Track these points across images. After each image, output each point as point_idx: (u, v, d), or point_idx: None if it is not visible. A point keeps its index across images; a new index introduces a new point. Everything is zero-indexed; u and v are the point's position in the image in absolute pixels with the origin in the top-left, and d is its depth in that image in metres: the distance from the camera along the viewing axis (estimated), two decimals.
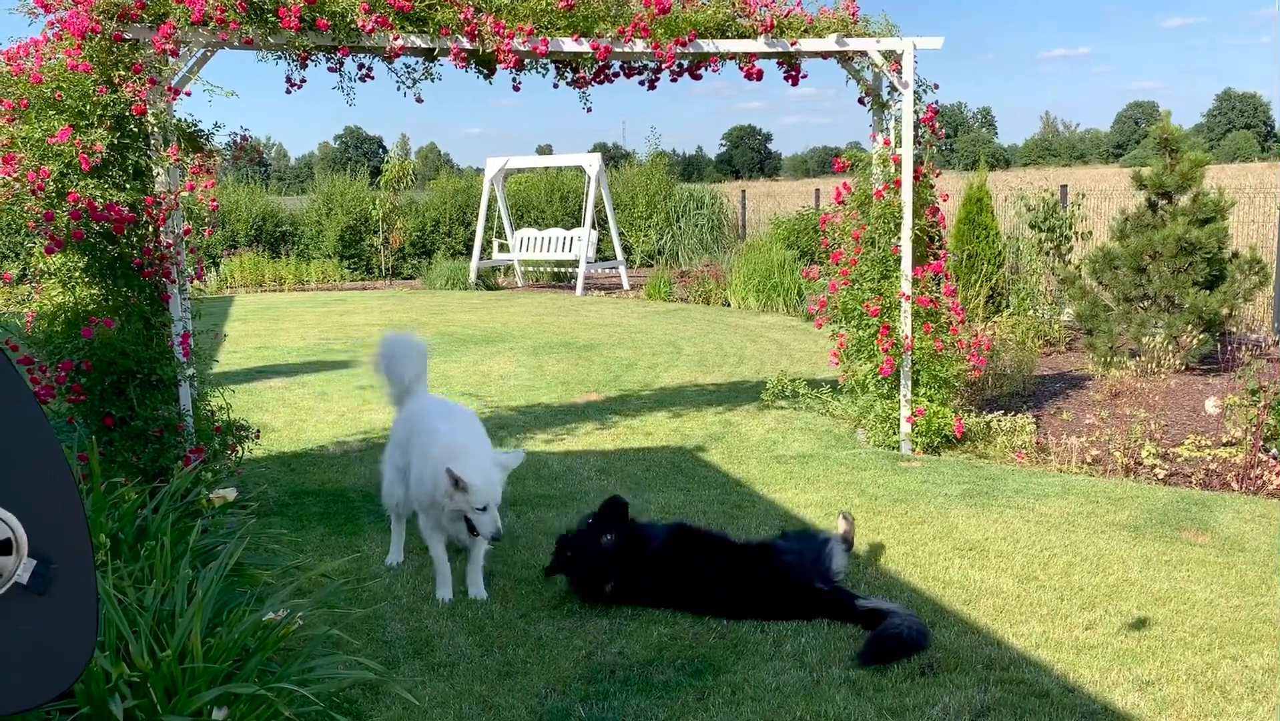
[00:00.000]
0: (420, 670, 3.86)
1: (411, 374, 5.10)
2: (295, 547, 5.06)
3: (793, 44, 6.51)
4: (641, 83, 6.79)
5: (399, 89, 6.22)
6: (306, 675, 3.14)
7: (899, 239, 6.84)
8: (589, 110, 6.97)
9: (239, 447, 5.88)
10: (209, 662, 2.97)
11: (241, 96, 5.77)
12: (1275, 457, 6.34)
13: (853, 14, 6.64)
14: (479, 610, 4.42)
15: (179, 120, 5.63)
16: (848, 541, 4.80)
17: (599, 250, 19.89)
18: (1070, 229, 11.75)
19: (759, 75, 6.63)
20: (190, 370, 5.67)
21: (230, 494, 4.28)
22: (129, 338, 5.32)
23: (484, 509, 4.32)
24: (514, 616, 4.37)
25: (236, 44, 5.53)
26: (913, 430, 6.97)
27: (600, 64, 6.45)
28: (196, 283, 5.84)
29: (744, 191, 22.76)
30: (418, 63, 6.18)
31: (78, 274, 5.36)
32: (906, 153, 6.74)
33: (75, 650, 1.71)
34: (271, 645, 3.17)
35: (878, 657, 3.86)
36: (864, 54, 6.71)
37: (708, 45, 6.39)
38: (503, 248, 19.96)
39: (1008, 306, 11.32)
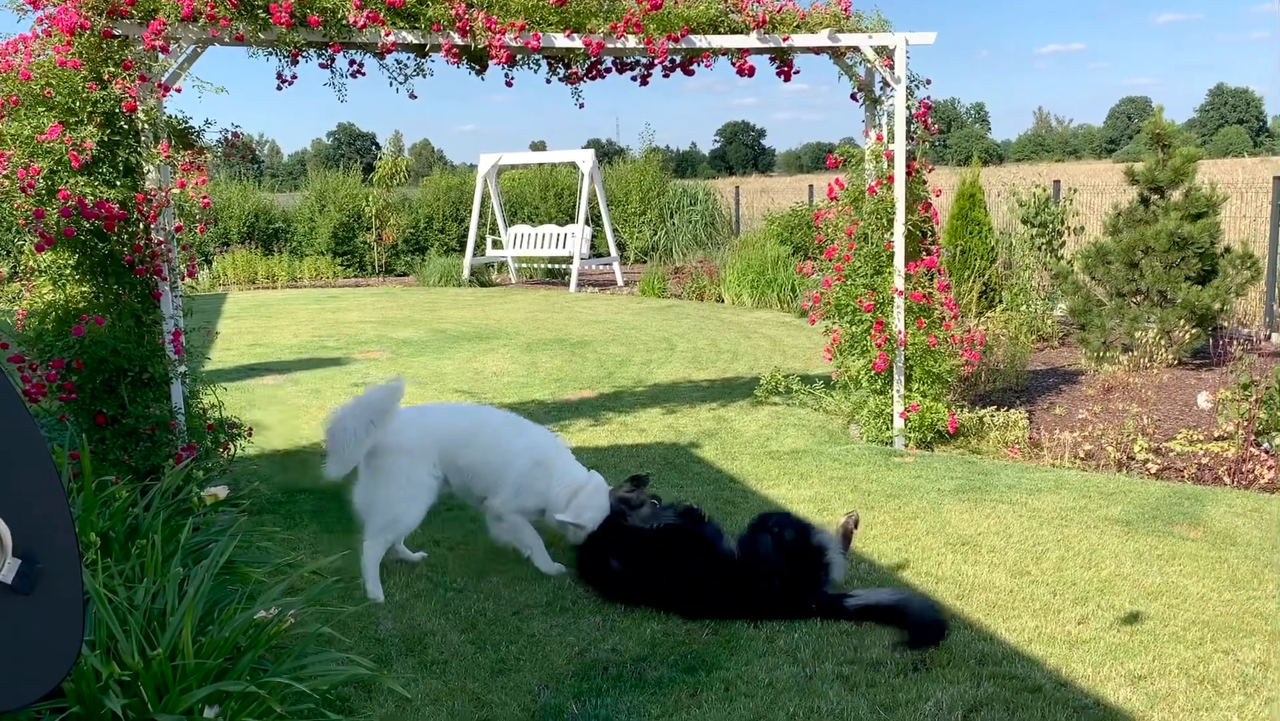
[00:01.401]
0: (413, 667, 3.85)
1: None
2: (287, 545, 5.04)
3: (785, 39, 6.50)
4: (634, 78, 6.77)
5: (391, 85, 6.21)
6: (298, 672, 3.14)
7: (892, 234, 6.84)
8: (581, 106, 6.97)
9: (231, 445, 5.86)
10: (200, 660, 2.96)
11: (234, 93, 5.76)
12: (1268, 451, 6.36)
13: (845, 9, 6.63)
14: (471, 607, 4.42)
15: (169, 117, 5.61)
16: (846, 536, 4.70)
17: (593, 246, 19.87)
18: (1063, 224, 11.78)
19: (751, 71, 6.62)
20: (182, 368, 5.65)
21: (222, 491, 4.27)
22: (120, 335, 5.30)
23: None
24: (506, 613, 4.36)
25: (227, 40, 5.51)
26: (906, 425, 6.98)
27: (592, 60, 6.44)
28: (188, 280, 5.82)
29: (738, 187, 22.75)
30: (409, 58, 6.16)
31: (68, 271, 5.33)
32: (899, 148, 6.74)
33: (62, 649, 1.71)
34: (263, 643, 3.16)
35: (925, 641, 3.94)
36: (856, 49, 6.71)
37: (700, 41, 6.38)
38: (496, 244, 19.93)
39: (1001, 302, 11.34)
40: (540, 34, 6.06)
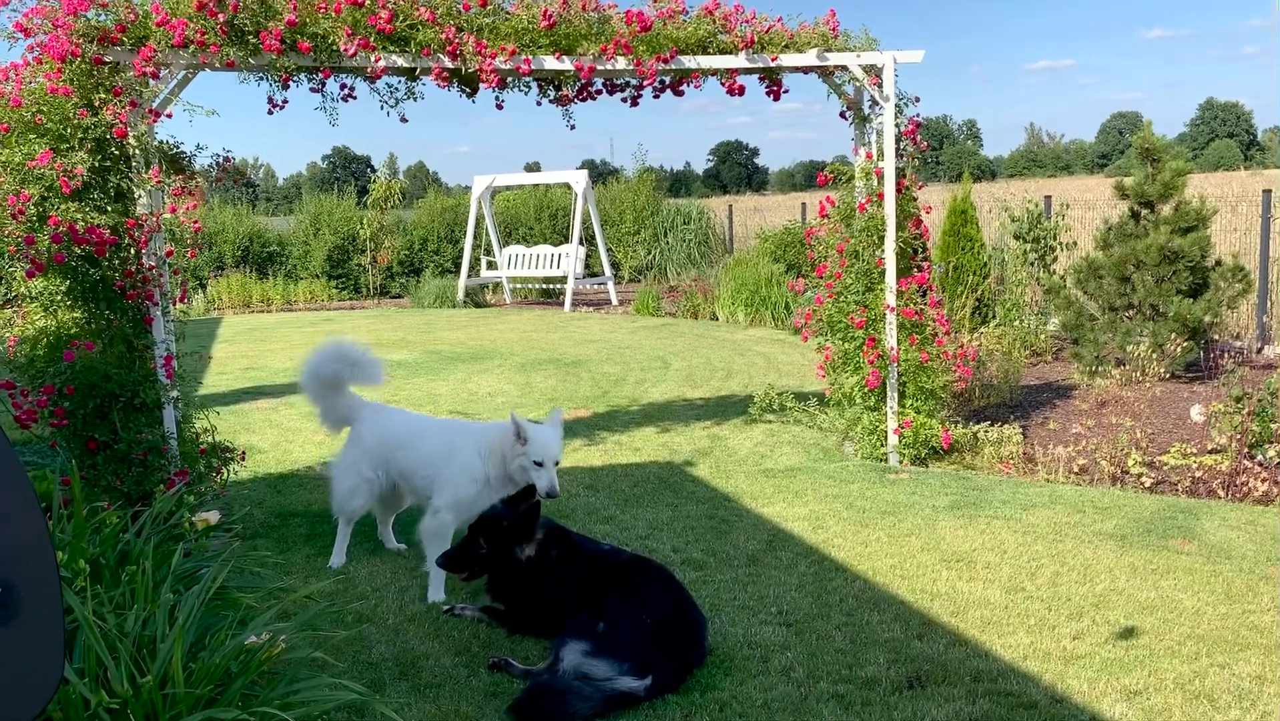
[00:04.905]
0: (406, 691, 3.83)
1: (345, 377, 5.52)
2: (280, 570, 5.02)
3: (773, 59, 6.54)
4: (624, 99, 6.81)
5: (382, 108, 6.23)
6: (290, 698, 3.11)
7: (883, 251, 6.86)
8: (572, 128, 6.99)
9: (224, 470, 5.84)
10: (190, 688, 2.94)
11: (229, 117, 5.78)
12: (1261, 464, 6.36)
13: (833, 29, 6.68)
14: (464, 630, 4.40)
15: (160, 142, 5.63)
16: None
17: (587, 266, 19.90)
18: (1055, 239, 11.82)
19: (741, 90, 6.65)
20: (174, 392, 5.64)
21: (214, 516, 4.25)
22: (112, 361, 5.30)
23: (541, 464, 4.66)
24: (500, 636, 4.34)
25: (218, 66, 5.53)
26: (900, 442, 6.97)
27: (583, 82, 6.47)
28: (182, 304, 5.82)
29: (731, 206, 22.84)
30: (400, 82, 6.18)
31: (59, 297, 5.33)
32: (889, 166, 6.77)
33: (42, 678, 1.69)
34: (254, 669, 3.14)
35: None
36: (845, 68, 6.75)
37: (689, 62, 6.42)
38: (491, 265, 19.97)
39: (993, 317, 11.36)
40: (530, 57, 6.09)
